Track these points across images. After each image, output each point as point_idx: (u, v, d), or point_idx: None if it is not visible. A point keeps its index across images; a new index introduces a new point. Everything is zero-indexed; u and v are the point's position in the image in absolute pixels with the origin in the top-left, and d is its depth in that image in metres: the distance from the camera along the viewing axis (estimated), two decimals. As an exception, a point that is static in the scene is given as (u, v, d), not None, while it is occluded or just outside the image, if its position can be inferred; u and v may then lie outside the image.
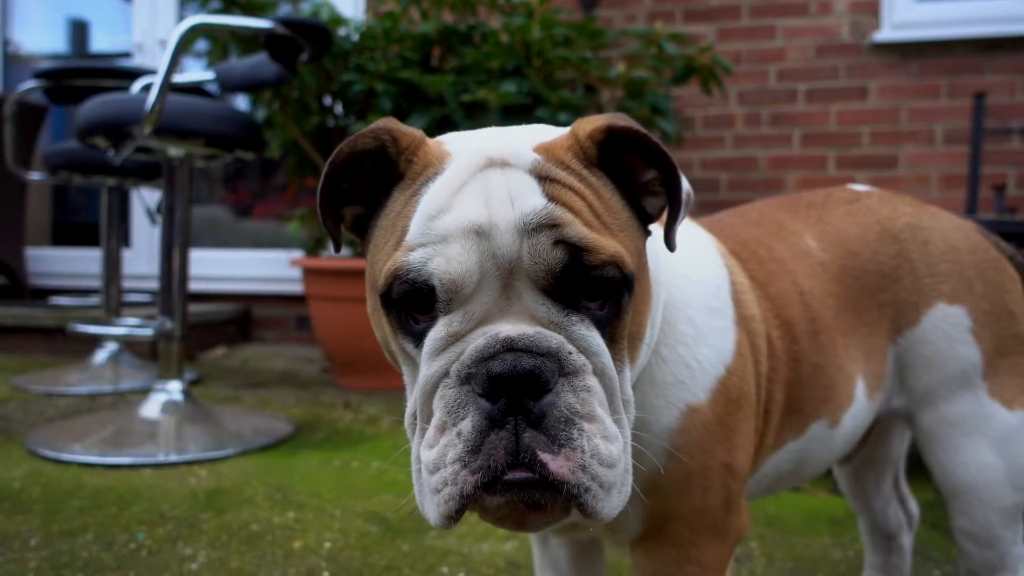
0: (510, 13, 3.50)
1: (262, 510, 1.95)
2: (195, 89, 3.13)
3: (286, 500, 2.03)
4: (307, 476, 2.24)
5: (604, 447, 0.69)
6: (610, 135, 0.78)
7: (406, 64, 3.42)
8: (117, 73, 3.37)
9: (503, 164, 0.74)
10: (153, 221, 3.61)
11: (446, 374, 0.70)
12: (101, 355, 3.74)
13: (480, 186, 0.73)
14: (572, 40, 3.43)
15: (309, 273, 3.56)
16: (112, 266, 3.79)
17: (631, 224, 0.79)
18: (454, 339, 0.71)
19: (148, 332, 2.73)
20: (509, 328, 0.69)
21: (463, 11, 3.61)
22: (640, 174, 0.81)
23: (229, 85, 2.94)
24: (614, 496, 0.70)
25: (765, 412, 1.02)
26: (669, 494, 0.90)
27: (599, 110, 3.55)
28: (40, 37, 6.09)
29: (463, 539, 1.77)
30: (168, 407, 2.61)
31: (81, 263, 5.25)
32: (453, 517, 0.69)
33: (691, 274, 0.97)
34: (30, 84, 3.51)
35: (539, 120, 3.10)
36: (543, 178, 0.73)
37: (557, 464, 0.67)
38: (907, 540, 1.47)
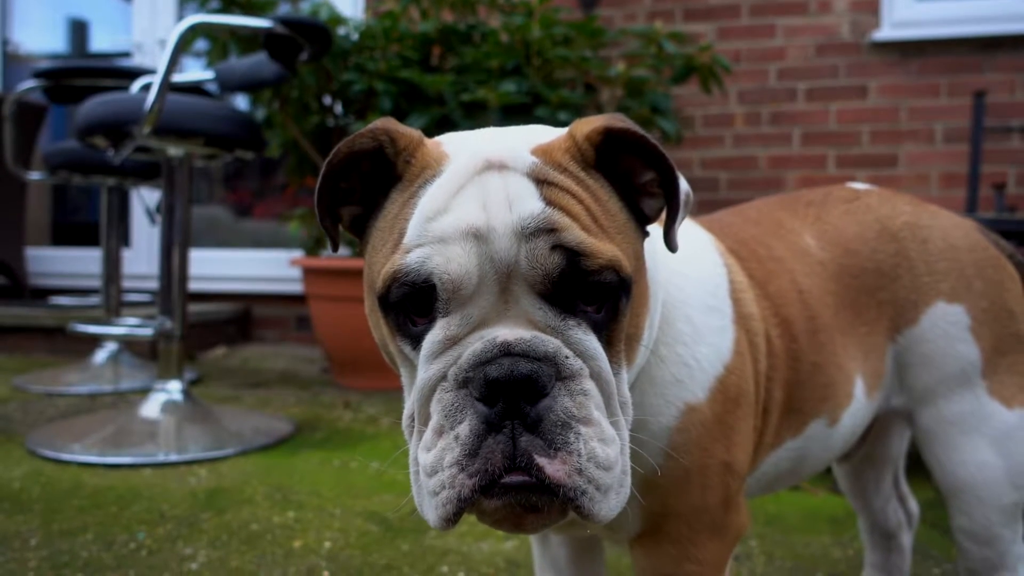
0: (510, 12, 3.50)
1: (262, 510, 1.96)
2: (195, 89, 3.13)
3: (286, 500, 2.03)
4: (307, 476, 2.24)
5: (601, 450, 0.69)
6: (608, 136, 0.78)
7: (406, 63, 3.42)
8: (117, 73, 3.37)
9: (501, 167, 0.74)
10: (153, 221, 3.61)
11: (444, 377, 0.70)
12: (101, 355, 3.74)
13: (478, 189, 0.72)
14: (572, 39, 3.43)
15: (309, 273, 3.56)
16: (112, 266, 3.79)
17: (629, 226, 0.79)
18: (452, 342, 0.71)
19: (148, 332, 2.73)
20: (506, 332, 0.69)
21: (463, 10, 3.61)
22: (638, 175, 0.81)
23: (229, 85, 2.94)
24: (611, 498, 0.71)
25: (764, 411, 1.02)
26: (668, 492, 0.91)
27: (599, 109, 3.55)
28: (40, 37, 6.10)
29: (463, 538, 1.77)
30: (168, 407, 2.62)
31: (81, 263, 5.25)
32: (451, 519, 0.69)
33: (689, 272, 0.97)
34: (30, 84, 3.51)
35: (539, 119, 3.11)
36: (541, 181, 0.73)
37: (553, 468, 0.67)
38: (907, 539, 1.47)
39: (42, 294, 5.15)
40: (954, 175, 4.03)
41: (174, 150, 2.64)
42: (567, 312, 0.72)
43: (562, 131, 0.81)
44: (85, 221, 5.92)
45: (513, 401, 0.67)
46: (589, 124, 0.79)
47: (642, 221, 0.82)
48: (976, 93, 3.26)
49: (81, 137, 2.62)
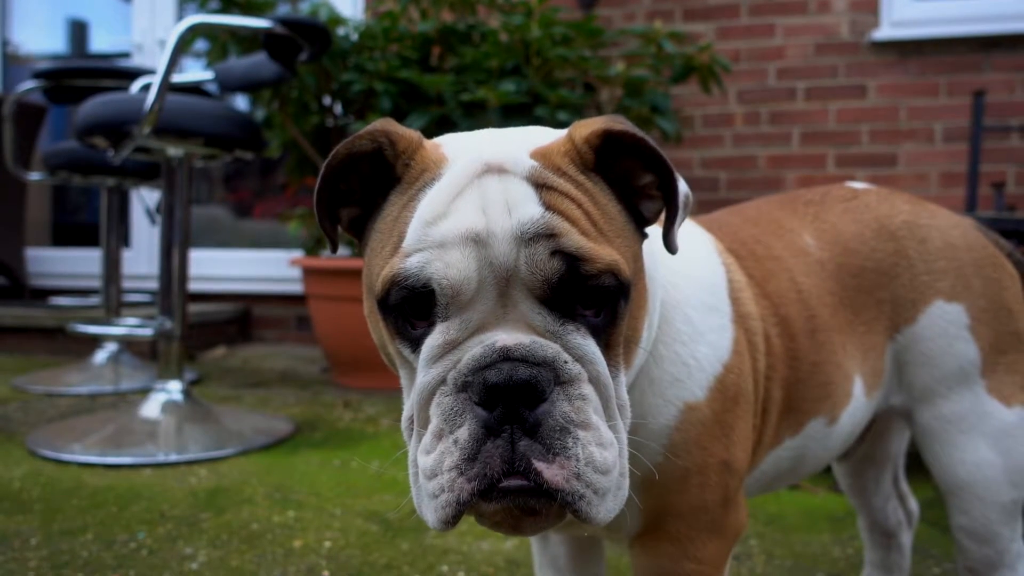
0: (509, 12, 3.50)
1: (262, 509, 1.96)
2: (194, 89, 3.13)
3: (286, 499, 2.03)
4: (307, 475, 2.24)
5: (599, 454, 0.70)
6: (607, 139, 0.78)
7: (405, 63, 3.42)
8: (116, 73, 3.37)
9: (500, 170, 0.74)
10: (153, 221, 3.61)
11: (443, 381, 0.71)
12: (101, 355, 3.74)
13: (477, 193, 0.72)
14: (571, 39, 3.43)
15: (309, 273, 3.56)
16: (112, 266, 3.79)
17: (628, 229, 0.79)
18: (451, 347, 0.71)
19: (148, 332, 2.73)
20: (506, 337, 0.69)
21: (462, 10, 3.61)
22: (637, 178, 0.81)
23: (228, 85, 2.94)
24: (609, 501, 0.71)
25: (763, 410, 1.02)
26: (667, 491, 0.91)
27: (598, 109, 3.55)
28: (40, 37, 6.10)
29: (463, 537, 1.77)
30: (168, 407, 2.62)
31: (81, 263, 5.25)
32: (450, 522, 0.70)
33: (688, 272, 0.97)
34: (29, 84, 3.51)
35: (538, 119, 3.11)
36: (540, 185, 0.73)
37: (552, 472, 0.67)
38: (907, 538, 1.48)
39: (42, 294, 5.15)
40: (953, 174, 4.03)
41: (174, 150, 2.64)
42: (566, 316, 0.72)
43: (561, 133, 0.81)
44: (85, 221, 5.92)
45: (512, 406, 0.68)
46: (588, 127, 0.79)
47: (641, 223, 0.82)
48: (975, 92, 3.26)
49: (81, 137, 2.62)
